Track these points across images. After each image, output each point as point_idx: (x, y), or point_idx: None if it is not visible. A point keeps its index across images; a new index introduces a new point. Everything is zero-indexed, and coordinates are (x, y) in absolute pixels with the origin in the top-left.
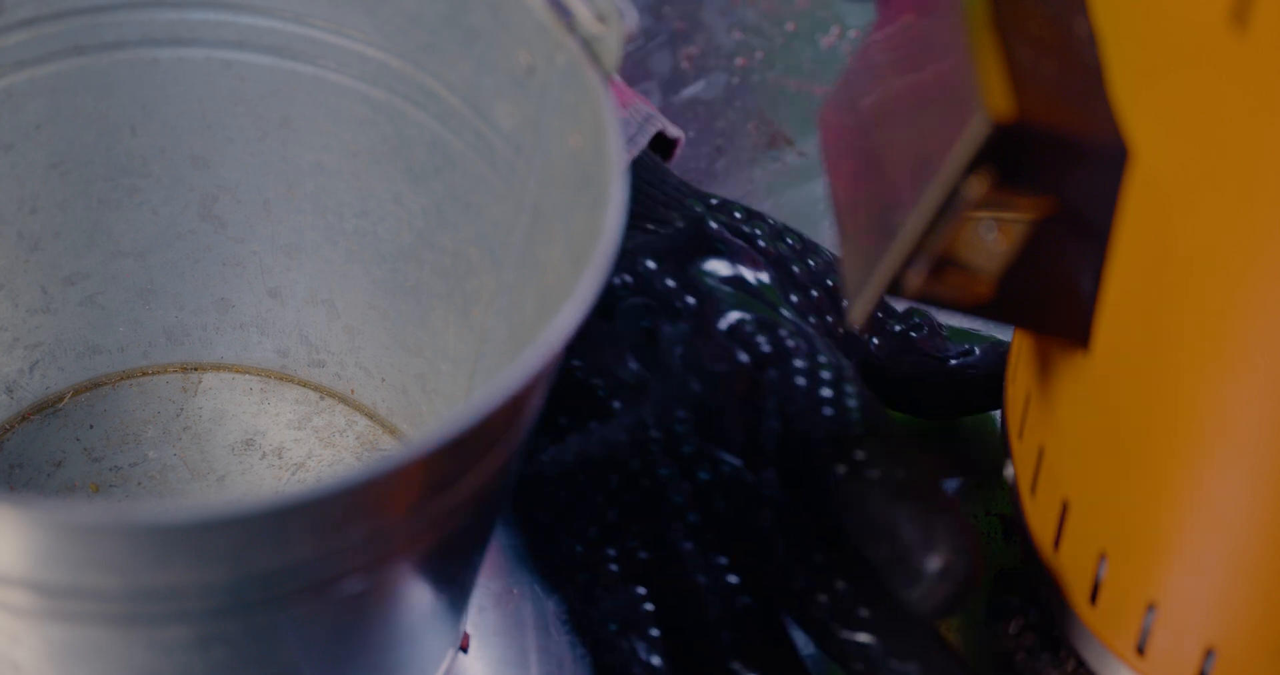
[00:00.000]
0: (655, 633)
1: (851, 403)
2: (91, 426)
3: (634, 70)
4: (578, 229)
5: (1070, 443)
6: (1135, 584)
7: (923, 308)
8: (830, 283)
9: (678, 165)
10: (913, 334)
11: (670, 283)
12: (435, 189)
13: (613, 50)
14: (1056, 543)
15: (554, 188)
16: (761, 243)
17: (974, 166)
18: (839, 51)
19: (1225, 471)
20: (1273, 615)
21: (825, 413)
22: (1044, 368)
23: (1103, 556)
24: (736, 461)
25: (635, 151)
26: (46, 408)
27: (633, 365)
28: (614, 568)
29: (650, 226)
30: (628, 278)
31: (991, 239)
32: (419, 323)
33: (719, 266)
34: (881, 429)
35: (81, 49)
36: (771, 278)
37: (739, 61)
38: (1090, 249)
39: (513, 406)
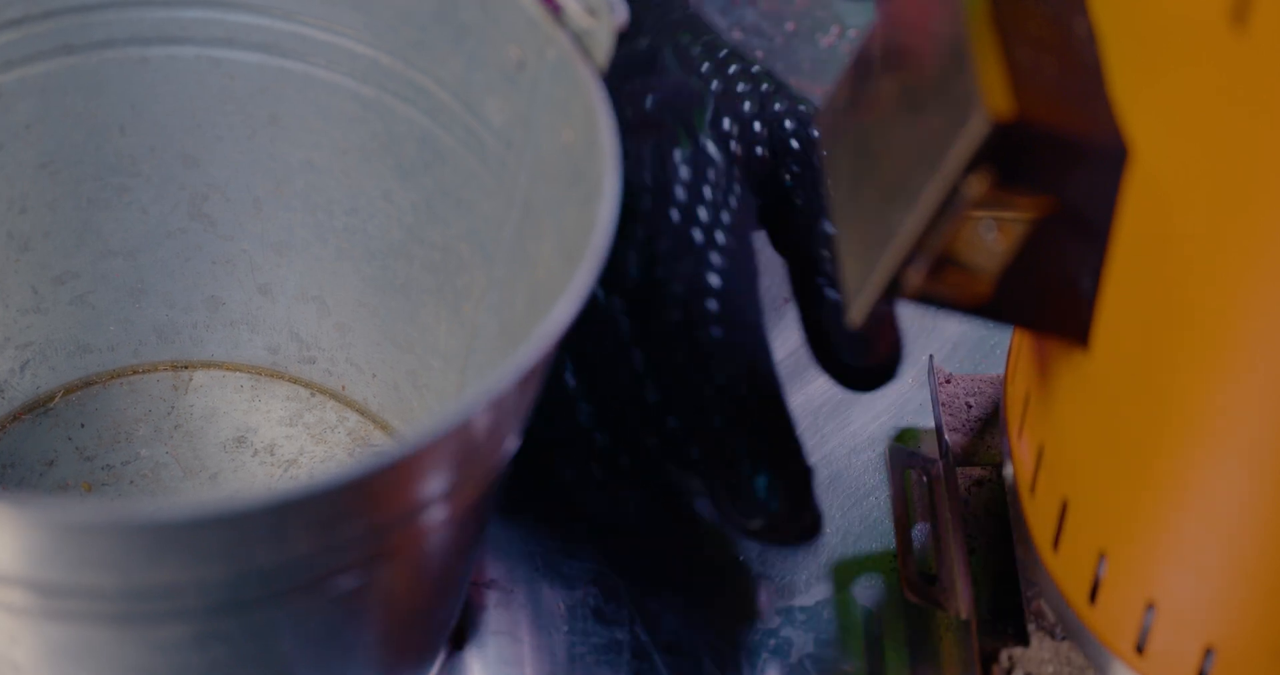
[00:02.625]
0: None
1: (720, 236)
2: (83, 425)
3: None
4: (569, 224)
5: (1070, 442)
6: (1135, 583)
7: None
8: (789, 125)
9: None
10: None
11: None
12: (425, 185)
13: (603, 44)
14: (1056, 542)
15: (545, 183)
16: (714, 80)
17: (974, 165)
18: (839, 51)
19: (1225, 470)
20: (1272, 614)
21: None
22: (1043, 367)
23: (1102, 556)
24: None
25: None
26: (38, 407)
27: None
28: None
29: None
30: None
31: (991, 238)
32: (409, 319)
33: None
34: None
35: (71, 48)
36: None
37: None
38: (1090, 249)
39: (508, 402)
